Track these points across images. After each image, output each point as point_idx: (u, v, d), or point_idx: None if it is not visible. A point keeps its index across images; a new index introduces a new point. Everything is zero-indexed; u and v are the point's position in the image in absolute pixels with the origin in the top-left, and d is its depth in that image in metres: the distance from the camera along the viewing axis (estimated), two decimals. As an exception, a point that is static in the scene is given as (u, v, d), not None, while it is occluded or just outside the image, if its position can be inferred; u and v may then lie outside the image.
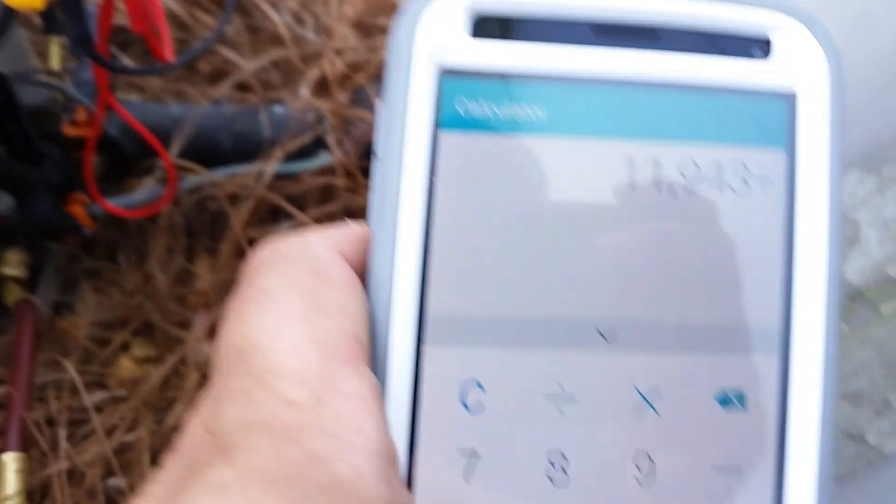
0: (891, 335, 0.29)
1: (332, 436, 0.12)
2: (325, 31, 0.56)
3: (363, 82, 0.54)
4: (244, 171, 0.52)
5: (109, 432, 0.47)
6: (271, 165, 0.51)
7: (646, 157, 0.16)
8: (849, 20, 0.30)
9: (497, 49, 0.17)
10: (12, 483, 0.42)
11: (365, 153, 0.52)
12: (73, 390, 0.48)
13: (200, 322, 0.50)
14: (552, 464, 0.15)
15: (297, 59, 0.55)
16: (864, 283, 0.30)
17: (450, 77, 0.17)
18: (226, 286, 0.51)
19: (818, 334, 0.16)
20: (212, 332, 0.49)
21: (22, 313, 0.48)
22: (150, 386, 0.48)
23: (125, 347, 0.52)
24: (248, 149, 0.52)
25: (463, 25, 0.17)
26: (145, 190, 0.58)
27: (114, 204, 0.54)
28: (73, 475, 0.46)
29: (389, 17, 0.57)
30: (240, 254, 0.52)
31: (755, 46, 0.18)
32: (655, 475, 0.15)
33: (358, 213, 0.51)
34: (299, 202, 0.52)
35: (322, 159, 0.52)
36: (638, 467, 0.15)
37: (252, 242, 0.52)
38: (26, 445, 0.44)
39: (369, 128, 0.52)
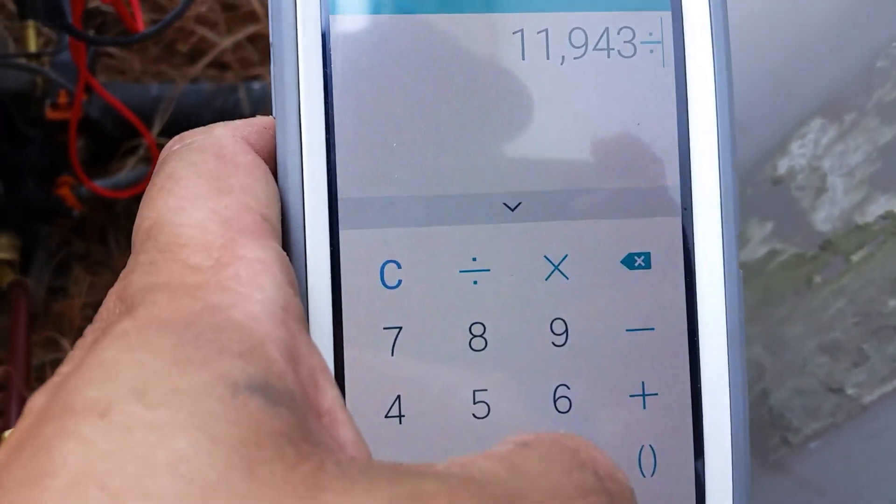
0: (862, 284, 0.29)
1: (231, 290, 0.12)
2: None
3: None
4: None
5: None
6: (252, 139, 0.52)
7: (535, 27, 0.17)
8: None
9: None
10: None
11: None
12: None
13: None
14: (471, 332, 0.16)
15: (272, 35, 0.56)
16: (833, 233, 0.30)
17: None
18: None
19: (715, 187, 0.17)
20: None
21: (16, 294, 0.50)
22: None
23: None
24: (228, 125, 0.53)
25: None
26: (130, 171, 0.58)
27: (100, 185, 0.55)
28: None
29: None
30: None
31: None
32: (568, 337, 0.16)
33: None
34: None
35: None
36: (553, 331, 0.16)
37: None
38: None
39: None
